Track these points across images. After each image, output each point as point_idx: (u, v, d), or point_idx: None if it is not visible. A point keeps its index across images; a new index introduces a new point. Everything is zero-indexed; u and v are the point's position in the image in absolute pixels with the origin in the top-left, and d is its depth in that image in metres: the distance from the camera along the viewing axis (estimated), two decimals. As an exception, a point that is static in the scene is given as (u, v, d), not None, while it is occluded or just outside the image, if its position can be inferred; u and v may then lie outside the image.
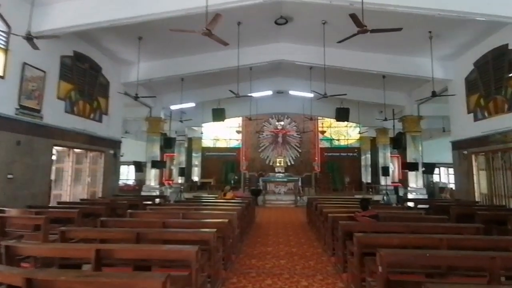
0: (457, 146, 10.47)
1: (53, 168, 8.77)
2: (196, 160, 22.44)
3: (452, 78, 10.65)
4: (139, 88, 11.87)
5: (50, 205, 7.69)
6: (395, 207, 8.96)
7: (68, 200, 8.73)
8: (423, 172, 14.07)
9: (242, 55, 10.42)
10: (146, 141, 15.19)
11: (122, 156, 11.34)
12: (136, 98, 9.42)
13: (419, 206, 10.00)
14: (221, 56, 10.97)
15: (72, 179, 9.23)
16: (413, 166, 13.58)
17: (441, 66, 10.51)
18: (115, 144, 11.05)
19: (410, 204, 10.04)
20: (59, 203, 8.09)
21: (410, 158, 13.89)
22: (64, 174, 8.80)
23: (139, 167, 15.20)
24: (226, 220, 4.88)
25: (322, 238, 7.00)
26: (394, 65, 10.74)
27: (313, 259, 5.93)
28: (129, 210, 5.98)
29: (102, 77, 10.33)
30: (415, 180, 13.97)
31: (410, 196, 13.52)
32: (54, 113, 8.15)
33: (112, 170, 10.80)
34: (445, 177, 21.74)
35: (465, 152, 9.89)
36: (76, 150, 9.42)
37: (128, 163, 19.51)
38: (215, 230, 3.98)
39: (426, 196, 13.88)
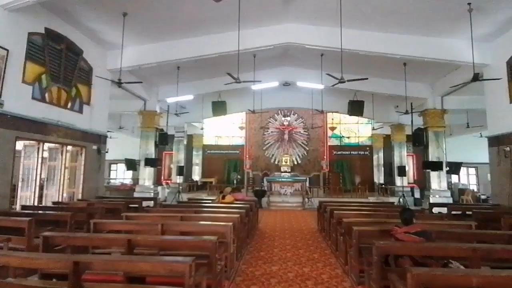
0: (495, 142, 8.95)
1: (20, 165, 7.48)
2: (197, 159, 21.10)
3: (489, 63, 9.12)
4: (131, 78, 10.55)
5: (5, 211, 6.33)
6: (430, 215, 7.48)
7: (36, 204, 7.40)
8: (447, 172, 12.57)
9: (244, 38, 9.01)
10: (137, 136, 13.81)
11: (107, 152, 9.98)
12: (119, 84, 8.03)
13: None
14: (220, 39, 9.61)
15: (44, 179, 7.91)
16: (436, 166, 12.07)
17: (476, 49, 8.98)
18: (99, 139, 9.68)
19: (440, 209, 8.60)
20: (23, 207, 6.76)
21: (432, 156, 12.38)
22: (33, 173, 7.45)
23: (132, 165, 13.86)
24: (215, 238, 3.48)
25: (342, 255, 5.58)
26: (420, 48, 9.25)
27: (332, 287, 4.52)
28: (93, 220, 4.61)
29: (84, 62, 8.97)
30: (438, 181, 12.45)
31: (432, 199, 12.02)
32: (18, 99, 6.80)
33: (95, 168, 9.45)
34: (464, 178, 20.17)
35: (507, 148, 8.38)
36: (50, 145, 8.10)
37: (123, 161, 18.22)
38: (191, 260, 2.58)
39: (450, 200, 12.36)
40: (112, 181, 22.06)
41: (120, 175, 22.48)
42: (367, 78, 8.51)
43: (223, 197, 8.42)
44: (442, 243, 3.60)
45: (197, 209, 6.61)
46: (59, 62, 7.99)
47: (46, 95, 7.62)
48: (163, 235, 4.50)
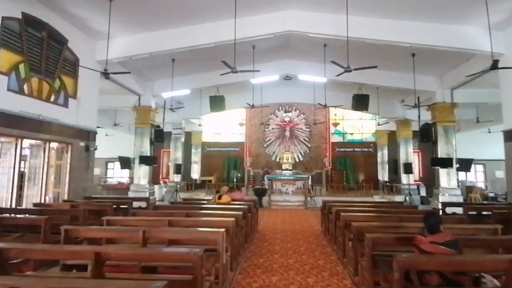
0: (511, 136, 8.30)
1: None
2: (196, 156, 20.48)
3: (504, 52, 8.42)
4: (122, 70, 9.88)
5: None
6: (446, 217, 6.83)
7: (14, 206, 6.76)
8: (457, 169, 11.92)
9: (242, 26, 8.40)
10: (134, 134, 13.15)
11: (96, 149, 9.33)
12: (106, 75, 7.38)
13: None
14: (216, 28, 8.96)
15: (25, 178, 7.30)
16: (446, 162, 11.42)
17: (488, 37, 8.28)
18: (88, 135, 9.06)
19: (455, 209, 7.97)
20: (-2, 210, 6.15)
21: (441, 152, 11.72)
22: (10, 172, 6.81)
23: (126, 163, 13.25)
24: (200, 250, 2.86)
25: (351, 263, 4.94)
26: (431, 36, 8.56)
27: (341, 302, 3.90)
28: (64, 226, 3.98)
29: (69, 52, 8.34)
30: (447, 179, 11.76)
31: (441, 198, 11.37)
32: (-9, 91, 6.21)
33: (83, 167, 8.84)
34: (471, 175, 19.43)
35: (526, 143, 7.74)
36: (31, 142, 7.48)
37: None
38: (162, 285, 1.95)
39: (461, 198, 11.72)
40: (109, 180, 21.50)
41: (118, 174, 21.91)
42: (376, 66, 7.84)
43: (220, 197, 7.79)
44: (477, 256, 2.98)
45: (190, 211, 5.97)
46: (39, 51, 7.35)
47: (25, 86, 6.98)
48: (145, 243, 3.90)
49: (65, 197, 8.22)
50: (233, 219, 4.93)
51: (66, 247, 3.29)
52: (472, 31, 8.37)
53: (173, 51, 9.39)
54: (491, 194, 16.84)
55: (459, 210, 7.98)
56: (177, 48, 9.25)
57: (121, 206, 7.92)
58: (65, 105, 8.17)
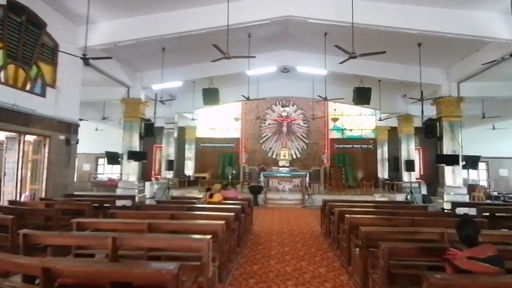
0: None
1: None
2: (190, 152, 19.76)
3: (519, 40, 7.84)
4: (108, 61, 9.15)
5: None
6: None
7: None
8: (463, 167, 11.35)
9: (236, 10, 7.79)
10: (122, 128, 12.42)
11: (77, 143, 8.61)
12: (85, 60, 6.66)
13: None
14: (208, 12, 8.29)
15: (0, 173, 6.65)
16: (452, 160, 10.83)
17: (505, 22, 7.69)
18: (69, 128, 8.34)
19: (464, 210, 7.37)
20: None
21: (447, 149, 11.12)
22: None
23: (114, 159, 12.56)
24: (175, 267, 2.21)
25: (358, 273, 4.31)
26: (440, 22, 7.92)
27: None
28: (23, 230, 3.33)
29: (47, 37, 7.60)
30: (452, 177, 11.17)
31: (446, 197, 10.80)
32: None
33: (63, 162, 8.13)
34: (473, 173, 18.89)
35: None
36: (6, 134, 6.81)
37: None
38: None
39: (467, 197, 11.16)
40: (99, 176, 20.79)
41: (109, 170, 21.17)
42: (384, 52, 7.16)
43: (211, 196, 7.12)
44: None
45: (175, 212, 5.32)
46: (17, 37, 6.63)
47: (1, 74, 6.29)
48: (116, 252, 3.25)
49: (43, 195, 7.53)
50: (223, 222, 4.29)
51: (13, 257, 2.63)
52: (486, 16, 7.74)
53: (162, 37, 8.66)
54: (495, 193, 16.37)
55: (466, 211, 7.42)
56: (166, 34, 8.53)
57: (104, 205, 7.29)
58: (42, 94, 7.44)
